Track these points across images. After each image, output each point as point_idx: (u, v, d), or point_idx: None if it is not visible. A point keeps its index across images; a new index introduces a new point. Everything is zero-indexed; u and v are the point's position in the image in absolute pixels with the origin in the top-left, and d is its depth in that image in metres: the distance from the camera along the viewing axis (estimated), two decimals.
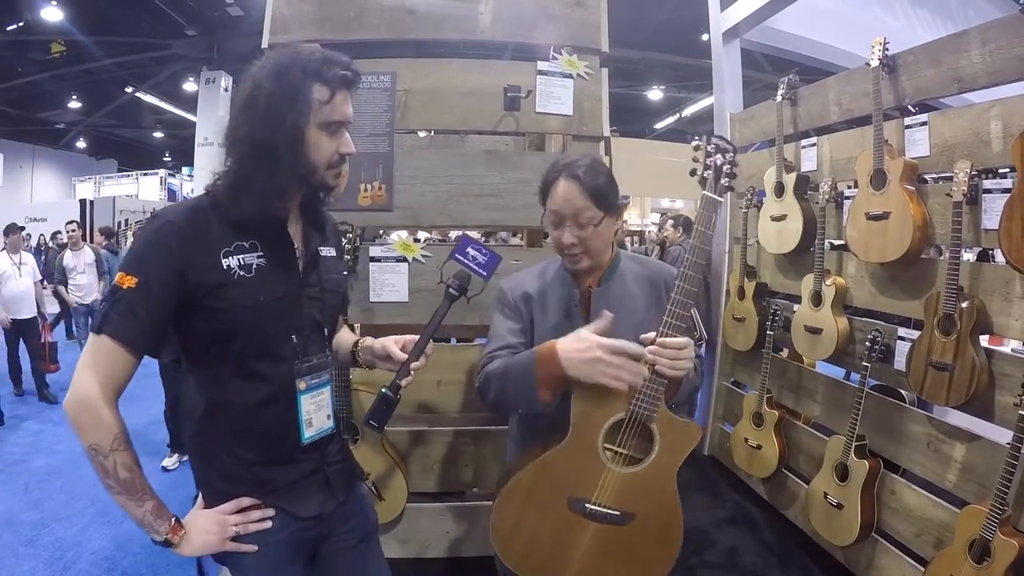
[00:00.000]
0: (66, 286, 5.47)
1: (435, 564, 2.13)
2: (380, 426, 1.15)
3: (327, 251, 1.15)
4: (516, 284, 1.41)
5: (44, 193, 17.21)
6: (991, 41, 1.75)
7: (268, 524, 1.05)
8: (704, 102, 12.49)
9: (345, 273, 1.76)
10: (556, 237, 1.30)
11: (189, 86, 12.20)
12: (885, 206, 1.96)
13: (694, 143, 1.24)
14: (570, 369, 1.12)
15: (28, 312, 5.01)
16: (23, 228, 5.41)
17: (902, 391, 2.15)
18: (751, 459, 2.66)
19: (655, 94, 13.25)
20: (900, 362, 1.97)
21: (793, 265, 2.61)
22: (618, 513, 1.19)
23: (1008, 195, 1.61)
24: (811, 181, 2.46)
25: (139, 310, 0.94)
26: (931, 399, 1.82)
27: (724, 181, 1.20)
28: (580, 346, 1.12)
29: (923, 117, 1.96)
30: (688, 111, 13.85)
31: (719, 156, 1.20)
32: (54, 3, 8.73)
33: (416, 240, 2.12)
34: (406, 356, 1.16)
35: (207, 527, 1.03)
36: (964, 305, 1.71)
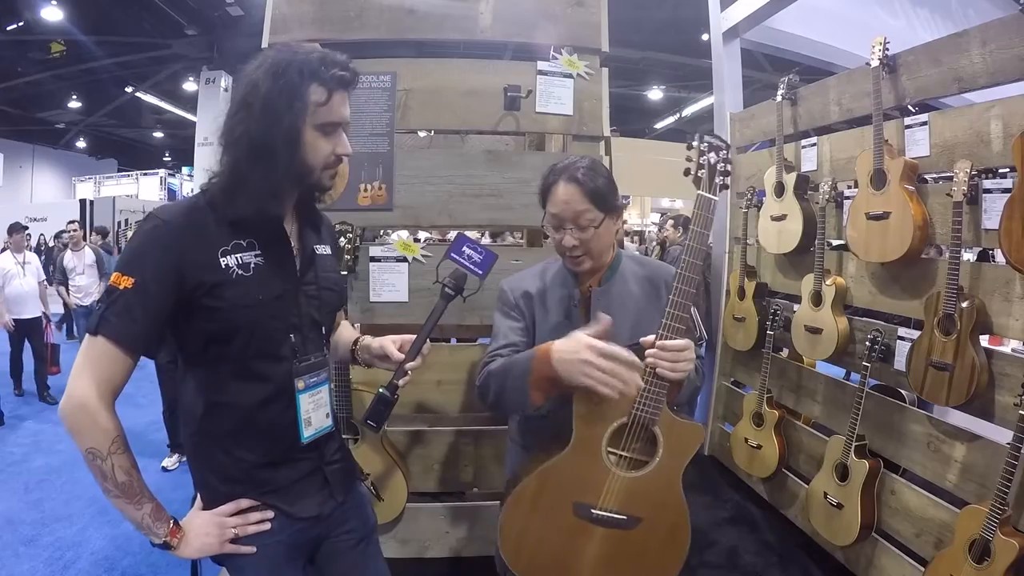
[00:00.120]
0: (67, 286, 5.44)
1: (435, 564, 2.13)
2: (378, 426, 1.15)
3: (323, 249, 1.15)
4: (517, 283, 1.41)
5: (44, 193, 17.19)
6: (991, 41, 1.75)
7: (267, 525, 1.05)
8: (704, 102, 12.48)
9: (344, 273, 1.77)
10: (557, 240, 1.30)
11: (189, 86, 12.19)
12: (885, 206, 1.96)
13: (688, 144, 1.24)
14: (559, 369, 1.11)
15: (33, 312, 4.98)
16: (26, 228, 5.32)
17: (902, 391, 2.15)
18: (751, 459, 2.66)
19: (655, 94, 13.24)
20: (900, 362, 1.97)
21: (793, 265, 2.61)
22: (625, 517, 1.19)
23: (1008, 195, 1.61)
24: (811, 181, 2.46)
25: (136, 311, 0.93)
26: (931, 399, 1.82)
27: (719, 180, 1.19)
28: (571, 346, 1.11)
29: (923, 117, 1.96)
30: (688, 111, 13.84)
31: (712, 155, 1.19)
32: (54, 3, 8.71)
33: (416, 240, 2.12)
34: (403, 356, 1.16)
35: (206, 529, 1.02)
36: (964, 305, 1.71)
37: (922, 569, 1.80)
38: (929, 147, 1.93)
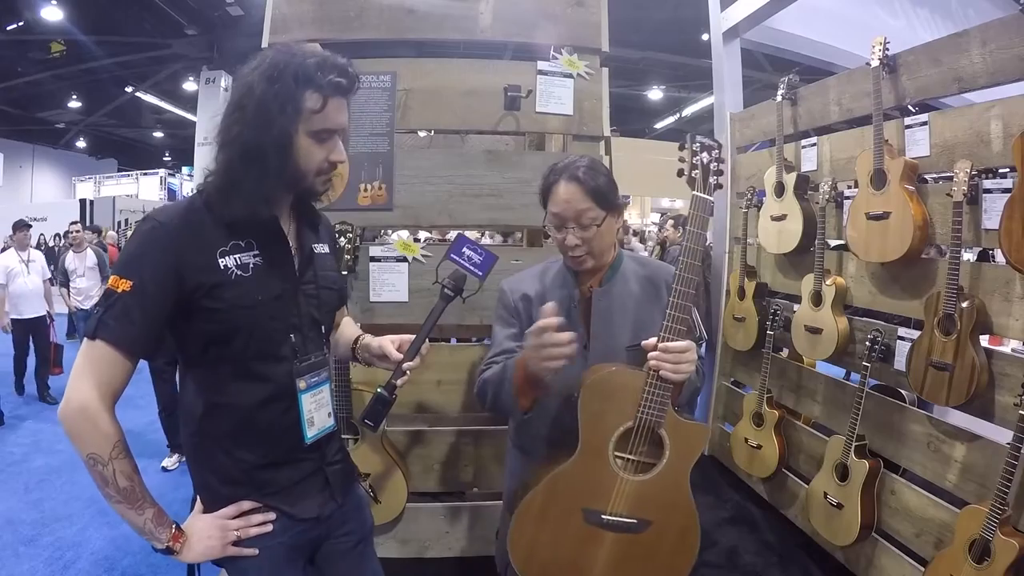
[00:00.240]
0: (68, 288, 5.34)
1: (435, 564, 2.13)
2: (376, 426, 1.15)
3: (322, 248, 1.15)
4: (517, 284, 1.41)
5: (44, 193, 17.19)
6: (991, 41, 1.75)
7: (269, 527, 1.05)
8: (704, 102, 12.48)
9: (345, 273, 1.77)
10: (559, 240, 1.30)
11: (189, 86, 12.19)
12: (885, 206, 1.95)
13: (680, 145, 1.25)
14: (530, 368, 1.17)
15: (37, 311, 4.90)
16: (30, 226, 5.24)
17: (902, 391, 2.15)
18: (751, 459, 2.66)
19: (655, 94, 13.24)
20: (900, 362, 1.97)
21: (793, 265, 2.60)
22: (635, 521, 1.19)
23: (1008, 195, 1.61)
24: (811, 181, 2.46)
25: (134, 313, 0.92)
26: (931, 399, 1.82)
27: (712, 179, 1.19)
28: (530, 339, 1.16)
29: (923, 117, 1.96)
30: (688, 111, 13.84)
31: (705, 155, 1.19)
32: (54, 3, 8.71)
33: (416, 240, 2.12)
34: (402, 356, 1.16)
35: (208, 532, 1.02)
36: (964, 305, 1.71)
37: (922, 569, 1.80)
38: (929, 147, 1.93)
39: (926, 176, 2.09)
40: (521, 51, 2.18)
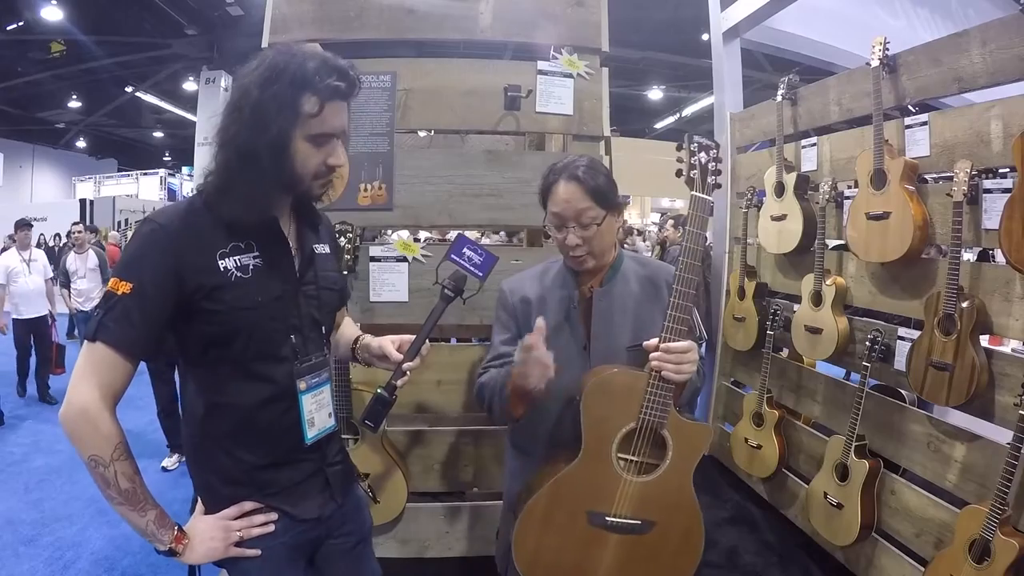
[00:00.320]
0: (69, 289, 5.24)
1: (435, 564, 2.13)
2: (376, 426, 1.15)
3: (322, 248, 1.15)
4: (517, 286, 1.41)
5: (44, 193, 17.19)
6: (991, 41, 1.75)
7: (271, 528, 1.05)
8: (704, 102, 12.48)
9: (345, 272, 1.77)
10: (560, 240, 1.30)
11: (189, 86, 12.19)
12: (885, 206, 1.95)
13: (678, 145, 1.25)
14: (516, 380, 1.19)
15: (39, 310, 4.86)
16: (31, 225, 5.18)
17: (902, 391, 2.15)
18: (751, 459, 2.65)
19: (655, 94, 13.24)
20: (900, 362, 1.97)
21: (793, 265, 2.60)
22: (639, 522, 1.19)
23: (1008, 195, 1.61)
24: (811, 181, 2.46)
25: (135, 316, 0.92)
26: (931, 399, 1.82)
27: (711, 179, 1.20)
28: (517, 355, 1.18)
29: (923, 117, 1.96)
30: (688, 111, 13.84)
31: (703, 154, 1.20)
32: (54, 2, 8.71)
33: (416, 240, 2.12)
34: (402, 357, 1.15)
35: (210, 533, 1.02)
36: (964, 305, 1.71)
37: (922, 569, 1.80)
38: (929, 147, 1.93)
39: (926, 176, 2.09)
40: (521, 51, 2.18)
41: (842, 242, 2.32)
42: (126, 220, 11.67)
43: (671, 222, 5.39)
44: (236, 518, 1.03)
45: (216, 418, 1.03)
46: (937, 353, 1.77)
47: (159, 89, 13.18)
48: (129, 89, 13.02)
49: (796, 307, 2.49)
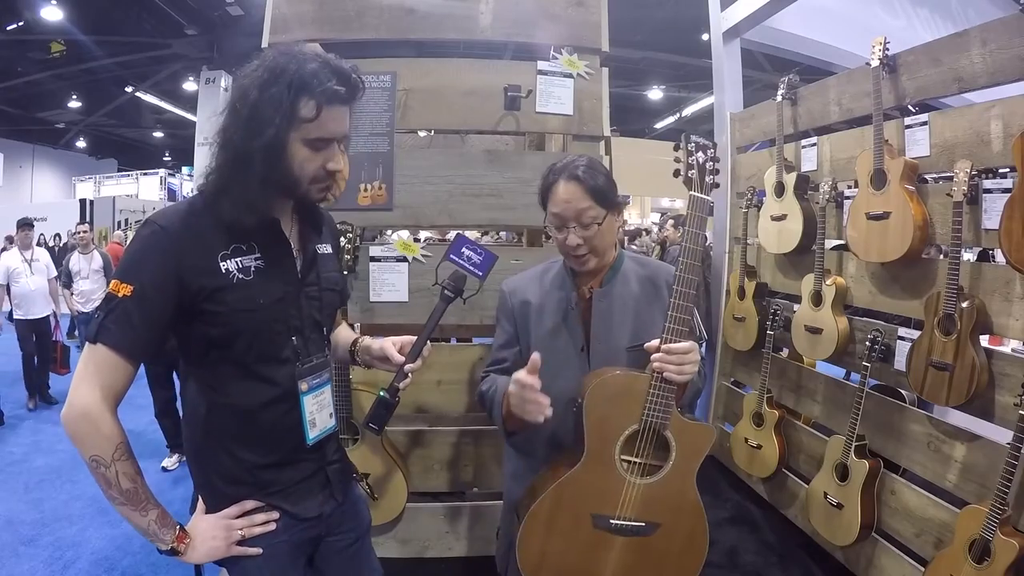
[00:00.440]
0: (70, 289, 5.13)
1: (435, 564, 2.13)
2: (380, 429, 1.15)
3: (324, 249, 1.15)
4: (517, 286, 1.42)
5: (44, 193, 17.19)
6: (991, 41, 1.75)
7: (272, 526, 1.05)
8: (704, 102, 12.48)
9: (345, 273, 1.77)
10: (560, 240, 1.29)
11: (189, 86, 12.19)
12: (885, 206, 1.96)
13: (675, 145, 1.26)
14: (512, 407, 1.21)
15: (42, 311, 4.79)
16: (32, 225, 5.09)
17: (902, 391, 2.15)
18: (751, 459, 2.66)
19: (655, 94, 13.24)
20: (900, 362, 1.97)
21: (793, 265, 2.61)
22: (644, 524, 1.19)
23: (1008, 195, 1.61)
24: (811, 181, 2.46)
25: (135, 318, 0.92)
26: (931, 399, 1.82)
27: (709, 179, 1.19)
28: (512, 388, 1.19)
29: (923, 117, 1.96)
30: (688, 111, 13.83)
31: (700, 154, 1.19)
32: (54, 2, 8.70)
33: (416, 240, 2.12)
34: (403, 358, 1.15)
35: (212, 532, 1.02)
36: (964, 305, 1.71)
37: (922, 569, 1.80)
38: (929, 147, 1.93)
39: (926, 176, 2.10)
40: (521, 51, 2.18)
41: (842, 242, 2.32)
42: (126, 220, 11.66)
43: (671, 222, 5.39)
44: (237, 517, 1.04)
45: (218, 418, 1.03)
46: (937, 353, 1.77)
47: (159, 89, 13.18)
48: (129, 89, 13.02)
49: (796, 307, 2.49)
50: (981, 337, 1.74)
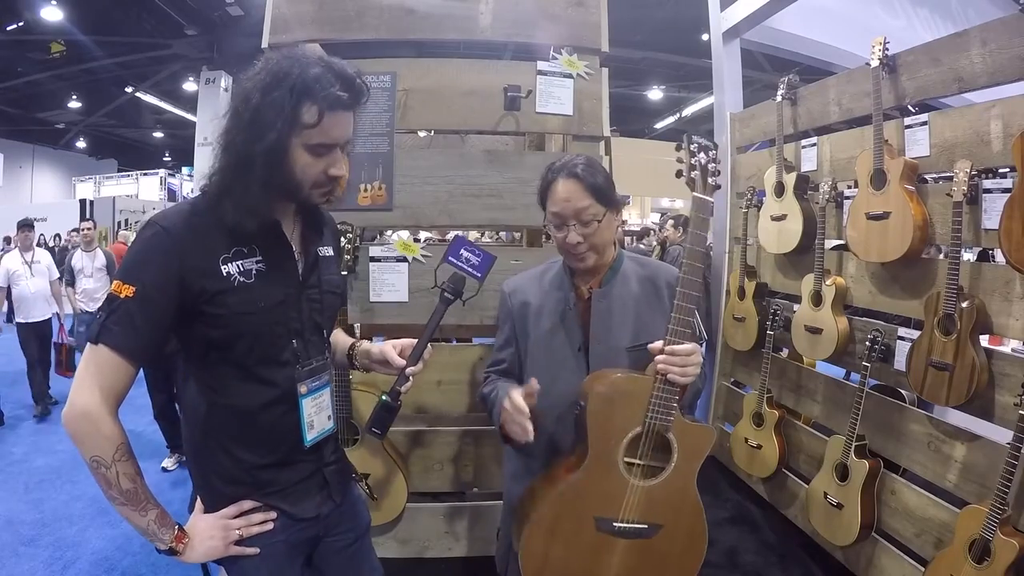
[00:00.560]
0: (74, 287, 5.01)
1: (435, 564, 2.13)
2: (383, 433, 1.15)
3: (326, 251, 1.15)
4: (517, 287, 1.42)
5: (44, 193, 17.21)
6: (991, 41, 1.75)
7: (270, 526, 1.05)
8: (704, 102, 12.49)
9: (345, 273, 1.77)
10: (560, 239, 1.29)
11: (189, 86, 12.20)
12: (885, 206, 1.96)
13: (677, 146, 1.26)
14: (505, 425, 1.24)
15: (43, 313, 4.73)
16: (32, 226, 5.04)
17: (902, 391, 2.15)
18: (751, 459, 2.66)
19: (655, 94, 13.25)
20: (900, 362, 1.97)
21: (793, 265, 2.61)
22: (646, 526, 1.19)
23: (1008, 195, 1.61)
24: (811, 181, 2.46)
25: (137, 319, 0.92)
26: (931, 399, 1.82)
27: (711, 180, 1.19)
28: (506, 404, 1.22)
29: (923, 117, 1.96)
30: (688, 111, 13.84)
31: (702, 155, 1.19)
32: (54, 3, 8.71)
33: (416, 240, 2.12)
34: (404, 362, 1.15)
35: (210, 532, 1.02)
36: (964, 305, 1.71)
37: (922, 569, 1.80)
38: (929, 147, 1.93)
39: (926, 176, 2.09)
40: (521, 51, 2.18)
41: (842, 242, 2.32)
42: (126, 220, 11.66)
43: (671, 222, 5.39)
44: (235, 517, 1.04)
45: (217, 418, 1.03)
46: (937, 353, 1.77)
47: (159, 89, 13.19)
48: (129, 89, 13.03)
49: (796, 307, 2.49)
50: (981, 337, 1.74)
